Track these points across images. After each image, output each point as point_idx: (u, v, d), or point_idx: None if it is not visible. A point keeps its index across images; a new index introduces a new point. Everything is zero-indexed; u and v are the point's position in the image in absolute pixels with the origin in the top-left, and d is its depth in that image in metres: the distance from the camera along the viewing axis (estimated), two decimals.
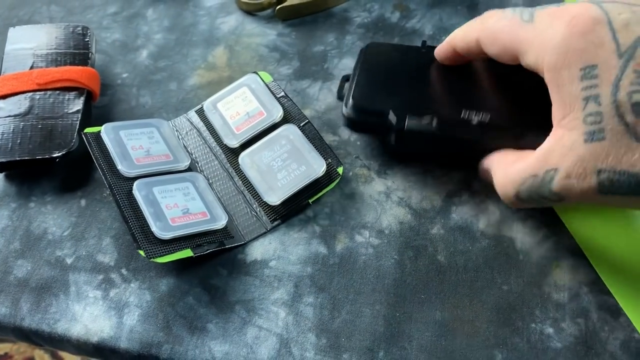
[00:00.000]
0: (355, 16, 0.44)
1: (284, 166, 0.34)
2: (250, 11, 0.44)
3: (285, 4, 0.43)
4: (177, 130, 0.37)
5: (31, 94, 0.36)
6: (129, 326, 0.30)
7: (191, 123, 0.37)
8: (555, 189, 0.26)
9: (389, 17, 0.43)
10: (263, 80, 0.37)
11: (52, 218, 0.34)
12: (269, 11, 0.44)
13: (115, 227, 0.33)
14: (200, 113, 0.38)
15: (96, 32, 0.44)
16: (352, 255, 0.32)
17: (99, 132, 0.35)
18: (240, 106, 0.37)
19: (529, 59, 0.27)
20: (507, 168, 0.29)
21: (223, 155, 0.36)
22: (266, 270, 0.32)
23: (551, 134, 0.27)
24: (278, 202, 0.33)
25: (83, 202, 0.35)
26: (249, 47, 0.42)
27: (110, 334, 0.30)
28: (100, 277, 0.32)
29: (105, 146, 0.34)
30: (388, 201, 0.34)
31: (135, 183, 0.32)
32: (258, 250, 0.32)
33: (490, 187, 0.31)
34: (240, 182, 0.35)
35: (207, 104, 0.37)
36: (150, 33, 0.43)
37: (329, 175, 0.34)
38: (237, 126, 0.36)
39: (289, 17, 0.44)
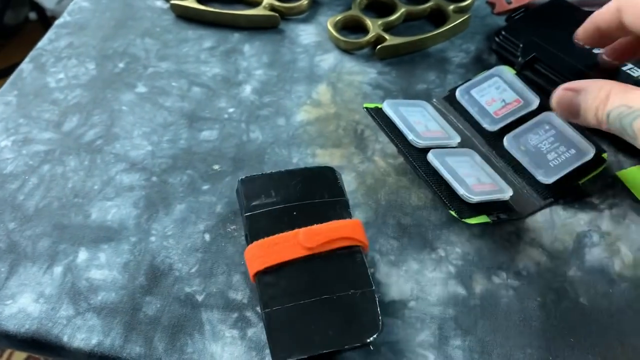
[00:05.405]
0: (453, 56, 0.44)
1: (552, 148, 0.36)
2: (349, 50, 0.45)
3: (386, 43, 0.44)
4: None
5: None
6: None
7: (436, 109, 0.40)
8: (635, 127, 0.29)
9: (487, 58, 0.44)
10: (510, 72, 0.40)
11: (177, 254, 0.33)
12: (366, 50, 0.45)
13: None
14: (449, 99, 0.40)
15: (194, 65, 0.44)
16: (493, 296, 0.31)
17: (379, 107, 0.37)
18: (495, 94, 0.39)
19: None
20: (605, 90, 0.31)
21: (480, 137, 0.38)
22: (406, 312, 0.31)
23: None
24: (551, 182, 0.34)
25: (207, 236, 0.34)
26: (351, 85, 0.42)
27: None
28: (235, 315, 0.31)
29: (389, 119, 0.37)
30: (520, 242, 0.33)
31: (431, 152, 0.34)
32: (394, 290, 0.32)
33: (620, 228, 0.30)
34: (502, 163, 0.36)
35: (459, 91, 0.39)
36: (251, 69, 0.43)
37: (596, 160, 0.35)
38: (494, 111, 0.38)
39: (388, 56, 0.44)
